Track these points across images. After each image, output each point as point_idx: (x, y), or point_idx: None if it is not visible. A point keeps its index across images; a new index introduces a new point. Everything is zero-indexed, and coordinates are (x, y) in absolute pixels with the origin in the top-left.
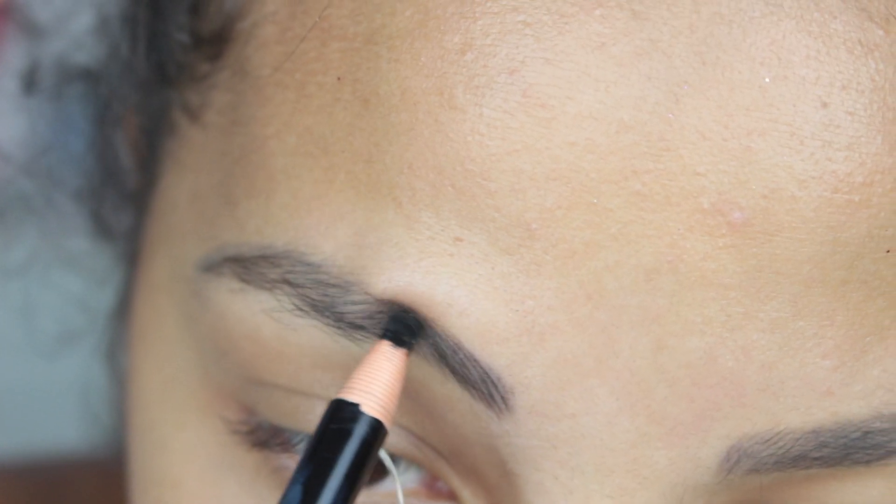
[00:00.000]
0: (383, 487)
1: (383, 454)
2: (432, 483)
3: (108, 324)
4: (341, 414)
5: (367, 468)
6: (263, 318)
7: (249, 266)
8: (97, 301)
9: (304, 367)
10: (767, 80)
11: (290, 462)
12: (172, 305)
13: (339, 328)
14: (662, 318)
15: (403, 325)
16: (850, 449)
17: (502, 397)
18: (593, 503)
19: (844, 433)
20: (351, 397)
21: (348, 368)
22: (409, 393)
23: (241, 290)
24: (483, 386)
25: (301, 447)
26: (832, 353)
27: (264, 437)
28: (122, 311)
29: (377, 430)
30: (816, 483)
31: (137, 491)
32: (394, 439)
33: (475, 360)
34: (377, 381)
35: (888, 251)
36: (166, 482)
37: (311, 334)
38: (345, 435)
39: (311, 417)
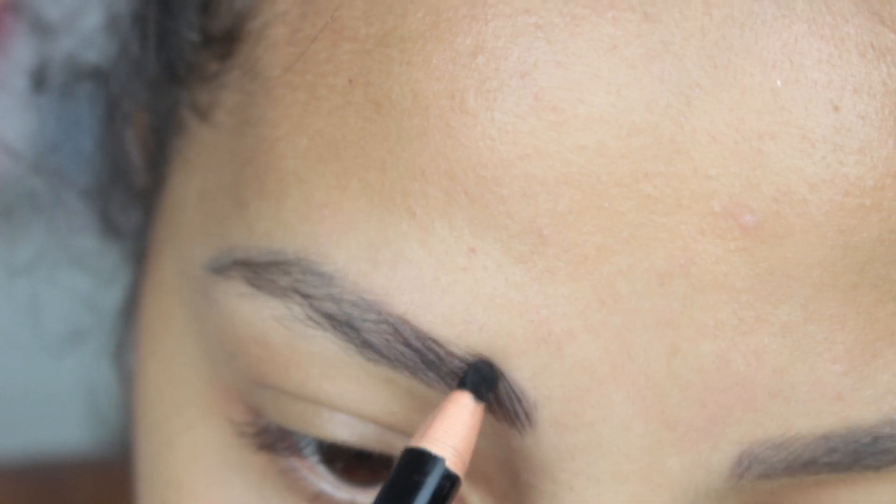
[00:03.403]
0: None
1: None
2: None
3: (115, 323)
4: (422, 465)
5: None
6: (273, 325)
7: (259, 271)
8: (104, 300)
9: (313, 376)
10: (779, 83)
11: (298, 464)
12: (180, 305)
13: (354, 345)
14: (675, 321)
15: (482, 376)
16: (861, 454)
17: (526, 413)
18: None
19: (855, 438)
20: (435, 449)
21: (357, 381)
22: (424, 409)
23: (250, 295)
24: (508, 404)
25: (309, 451)
26: (843, 358)
27: (271, 439)
28: (130, 310)
29: (454, 486)
30: (826, 489)
31: (144, 491)
32: (400, 444)
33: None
34: (458, 435)
35: None
36: (172, 483)
37: (323, 346)
38: (425, 487)
39: (317, 422)
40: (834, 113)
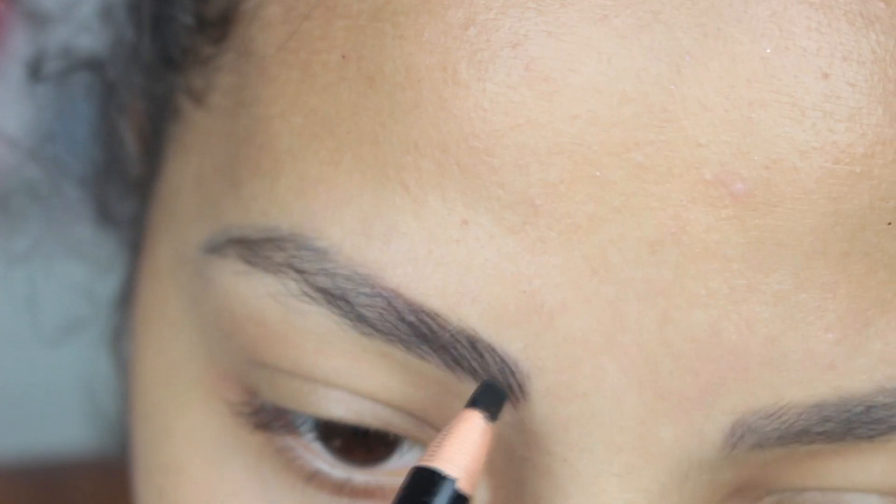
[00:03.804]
0: (388, 466)
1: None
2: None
3: (112, 312)
4: (433, 485)
5: None
6: (268, 301)
7: (254, 248)
8: (101, 289)
9: (308, 352)
10: (769, 51)
11: (294, 443)
12: (176, 289)
13: (348, 319)
14: (667, 290)
15: (492, 395)
16: (853, 423)
17: (520, 385)
18: (601, 483)
19: (847, 407)
20: (446, 469)
21: (352, 356)
22: (419, 384)
23: (245, 273)
24: (501, 377)
25: (305, 428)
26: (834, 327)
27: (267, 418)
28: (126, 298)
29: None
30: (819, 459)
31: (142, 480)
32: (397, 420)
33: (492, 350)
34: (469, 455)
35: (890, 223)
36: (170, 469)
37: (318, 321)
38: None
39: (312, 400)
40: (823, 80)
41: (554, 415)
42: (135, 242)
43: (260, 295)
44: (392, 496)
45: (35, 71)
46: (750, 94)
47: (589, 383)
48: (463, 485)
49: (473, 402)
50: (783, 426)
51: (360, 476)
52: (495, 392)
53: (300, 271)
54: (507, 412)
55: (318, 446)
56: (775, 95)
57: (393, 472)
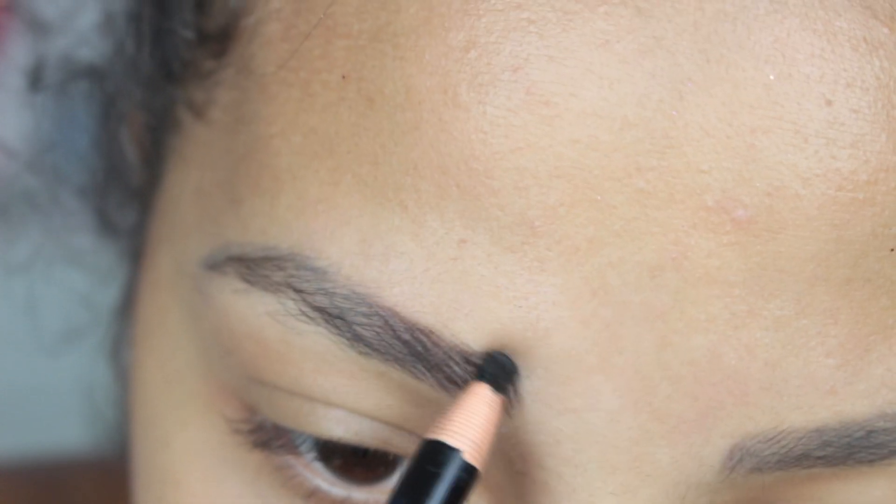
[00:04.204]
0: (387, 484)
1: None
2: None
3: (111, 321)
4: (439, 456)
5: None
6: (267, 320)
7: (253, 267)
8: (101, 298)
9: (307, 371)
10: (772, 77)
11: (293, 461)
12: (176, 302)
13: (345, 338)
14: (666, 315)
15: (500, 368)
16: (854, 448)
17: (514, 389)
18: (597, 501)
19: (848, 432)
20: (452, 441)
21: (351, 375)
22: (418, 403)
23: (244, 291)
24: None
25: (304, 448)
26: (836, 352)
27: (266, 437)
28: (126, 308)
29: (473, 478)
30: (819, 483)
31: (140, 489)
32: (396, 439)
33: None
34: (475, 426)
35: (892, 249)
36: (168, 480)
37: (316, 340)
38: (442, 479)
39: (312, 420)
40: (827, 107)
41: (544, 425)
42: (135, 252)
43: (259, 313)
44: None
45: (35, 80)
46: (752, 120)
47: (580, 401)
48: (470, 456)
49: (481, 375)
50: (782, 450)
51: (359, 494)
52: (504, 364)
53: (299, 290)
54: (503, 423)
55: (317, 465)
56: (778, 122)
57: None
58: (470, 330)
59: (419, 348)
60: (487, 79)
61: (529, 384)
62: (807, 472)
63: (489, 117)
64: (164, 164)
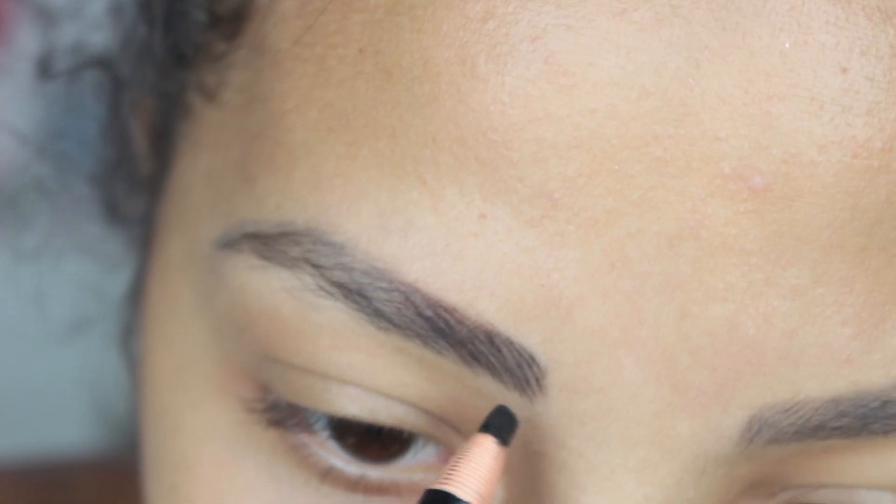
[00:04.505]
0: (403, 462)
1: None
2: (450, 458)
3: (121, 309)
4: None
5: None
6: (283, 296)
7: (270, 243)
8: (110, 287)
9: (322, 347)
10: (787, 45)
11: (308, 440)
12: (187, 286)
13: (365, 314)
14: (686, 284)
15: (505, 420)
16: (869, 419)
17: (537, 379)
18: (617, 477)
19: (864, 402)
20: (459, 493)
21: (368, 351)
22: (435, 380)
23: (260, 267)
24: (518, 371)
25: (319, 426)
26: (852, 321)
27: (280, 415)
28: (136, 296)
29: None
30: (834, 455)
31: (152, 479)
32: (411, 418)
33: (510, 343)
34: (480, 478)
35: None
36: (181, 466)
37: (334, 316)
38: None
39: (327, 397)
40: (842, 75)
41: (571, 409)
42: (144, 239)
43: (275, 290)
44: (407, 492)
45: (44, 68)
46: (768, 88)
47: (606, 377)
48: None
49: (486, 427)
50: (799, 421)
51: (375, 473)
52: (508, 417)
53: (316, 266)
54: (522, 407)
55: (332, 444)
56: (794, 90)
57: (407, 469)
58: (494, 310)
59: (442, 325)
60: (506, 49)
61: (558, 375)
62: (822, 444)
63: (508, 88)
64: (173, 151)
